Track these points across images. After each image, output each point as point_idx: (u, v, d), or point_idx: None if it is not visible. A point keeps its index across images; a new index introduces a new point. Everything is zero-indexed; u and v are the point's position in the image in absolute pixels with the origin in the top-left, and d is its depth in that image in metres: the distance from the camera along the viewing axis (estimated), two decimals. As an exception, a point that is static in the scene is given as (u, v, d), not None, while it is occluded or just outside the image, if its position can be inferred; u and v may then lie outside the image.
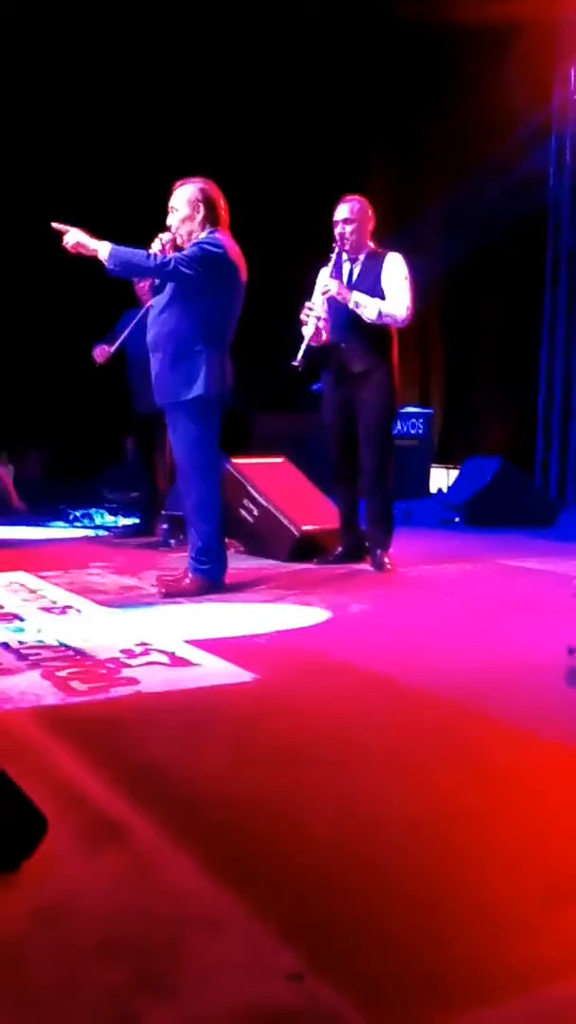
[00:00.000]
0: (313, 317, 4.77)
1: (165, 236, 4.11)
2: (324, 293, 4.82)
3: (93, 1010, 1.21)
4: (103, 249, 3.92)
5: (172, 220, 4.12)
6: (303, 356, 4.69)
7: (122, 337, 5.95)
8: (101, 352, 6.06)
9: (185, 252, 3.99)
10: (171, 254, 4.03)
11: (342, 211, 4.92)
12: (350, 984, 1.28)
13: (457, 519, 7.20)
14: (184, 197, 4.09)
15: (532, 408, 9.50)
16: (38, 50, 8.46)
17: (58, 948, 1.34)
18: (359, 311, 4.78)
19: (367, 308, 4.77)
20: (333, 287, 4.80)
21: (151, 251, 4.03)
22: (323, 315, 4.81)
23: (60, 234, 3.94)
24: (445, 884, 1.59)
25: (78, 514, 7.85)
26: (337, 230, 4.91)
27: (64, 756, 2.10)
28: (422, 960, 1.35)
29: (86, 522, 7.49)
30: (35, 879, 1.51)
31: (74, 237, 3.93)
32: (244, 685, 2.72)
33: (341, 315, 4.84)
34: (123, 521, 7.37)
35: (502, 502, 6.96)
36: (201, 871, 1.58)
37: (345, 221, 4.89)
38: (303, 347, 4.72)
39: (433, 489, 9.25)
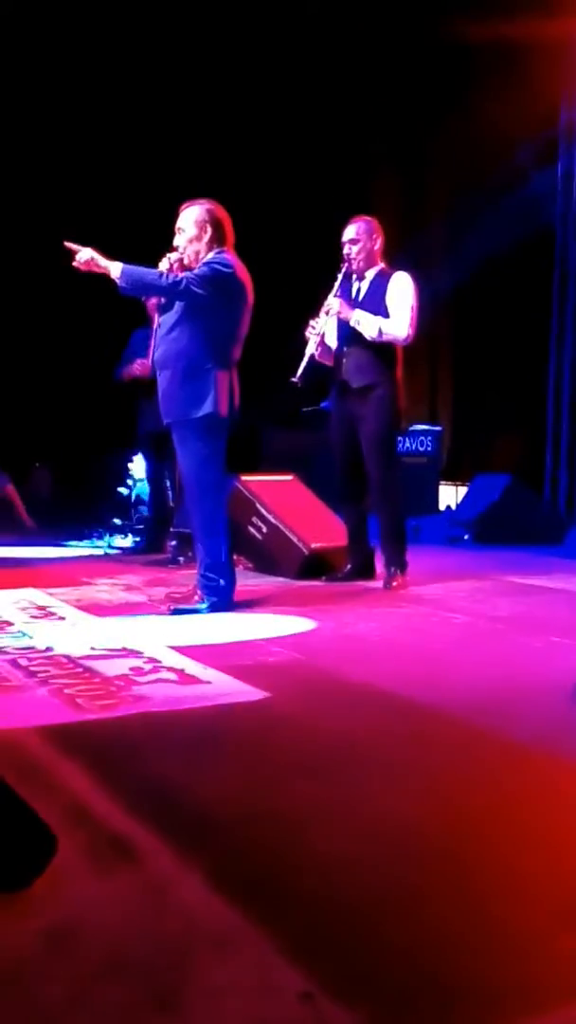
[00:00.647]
0: (315, 335, 4.84)
1: (173, 256, 4.14)
2: (327, 312, 4.87)
3: (102, 1029, 1.21)
4: (115, 268, 3.95)
5: (179, 241, 4.14)
6: (303, 372, 4.77)
7: (151, 352, 5.98)
8: (142, 365, 6.10)
9: (196, 272, 4.02)
10: (179, 274, 4.05)
11: (349, 232, 5.00)
12: (361, 1004, 1.27)
13: (466, 536, 7.19)
14: (191, 218, 4.12)
15: (541, 425, 9.49)
16: (42, 66, 8.52)
17: (67, 966, 1.33)
18: (359, 328, 4.82)
19: (368, 326, 4.82)
20: (335, 306, 4.86)
21: (159, 271, 4.06)
22: (323, 332, 4.87)
23: (71, 252, 3.97)
24: (458, 903, 1.57)
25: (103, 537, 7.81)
26: (344, 250, 4.98)
27: (73, 774, 2.10)
28: (435, 980, 1.34)
29: (108, 540, 7.50)
30: (44, 897, 1.51)
31: (86, 255, 3.96)
32: (254, 703, 2.71)
33: (344, 331, 4.89)
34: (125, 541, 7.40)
35: (511, 519, 6.96)
36: (211, 889, 1.57)
37: (351, 241, 4.97)
38: (303, 364, 4.79)
39: (442, 506, 9.25)
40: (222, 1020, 1.23)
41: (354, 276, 5.01)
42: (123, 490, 7.81)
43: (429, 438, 8.95)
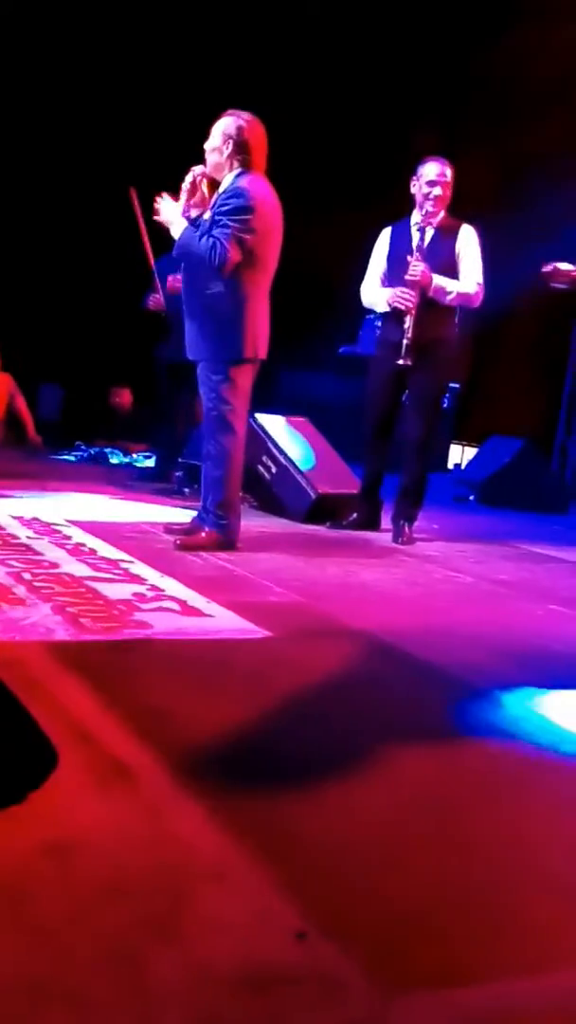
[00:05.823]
0: (412, 307, 4.60)
1: (197, 169, 4.06)
2: (412, 277, 4.62)
3: (98, 947, 1.21)
4: (177, 227, 4.02)
5: (206, 145, 4.06)
6: (406, 351, 4.60)
7: (169, 281, 5.92)
8: (155, 301, 6.06)
9: (221, 233, 3.87)
10: (202, 188, 4.03)
11: (436, 169, 4.67)
12: (355, 947, 1.27)
13: (472, 497, 7.16)
14: (220, 128, 4.01)
15: (556, 394, 9.41)
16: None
17: (66, 884, 1.33)
18: (435, 296, 4.64)
19: (441, 293, 4.64)
20: (418, 270, 4.60)
21: (184, 184, 4.05)
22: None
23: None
24: (454, 854, 1.58)
25: (92, 452, 7.88)
26: (426, 191, 4.66)
27: (74, 692, 2.09)
28: (429, 928, 1.35)
29: (101, 461, 7.52)
30: (46, 810, 1.51)
31: (166, 209, 4.06)
32: (256, 641, 2.71)
33: (405, 283, 4.68)
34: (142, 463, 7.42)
35: (520, 484, 6.92)
36: (209, 820, 1.57)
37: (437, 184, 4.64)
38: (405, 344, 4.59)
39: (449, 465, 9.22)
40: (218, 951, 1.24)
41: (417, 220, 4.73)
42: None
43: (448, 395, 8.88)
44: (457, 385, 9.35)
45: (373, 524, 5.02)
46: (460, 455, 9.63)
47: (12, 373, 8.00)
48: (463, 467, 8.84)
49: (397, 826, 1.66)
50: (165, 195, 4.11)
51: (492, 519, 6.30)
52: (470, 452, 9.31)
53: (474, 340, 10.51)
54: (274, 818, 1.63)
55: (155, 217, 4.15)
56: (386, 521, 4.99)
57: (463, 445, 9.68)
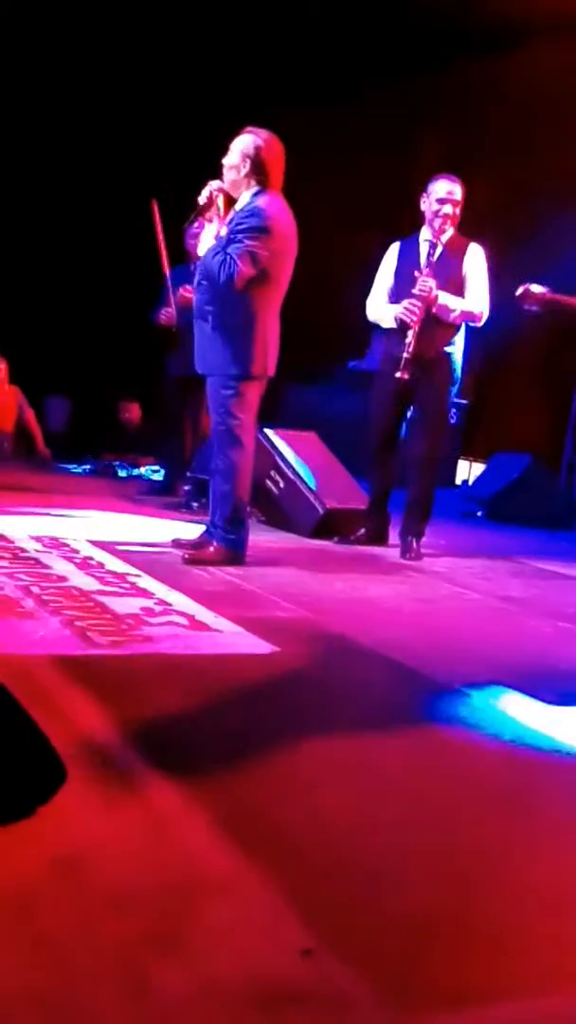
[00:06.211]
0: (416, 322, 4.63)
1: (215, 184, 4.08)
2: (421, 293, 4.63)
3: (104, 962, 1.21)
4: (203, 246, 4.06)
5: (224, 162, 4.08)
6: (404, 366, 4.61)
7: (178, 294, 5.94)
8: (167, 316, 6.08)
9: (237, 250, 3.89)
10: (218, 202, 4.05)
11: (446, 187, 4.69)
12: (361, 965, 1.27)
13: (479, 513, 7.16)
14: (239, 146, 4.03)
15: (563, 409, 9.41)
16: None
17: (73, 898, 1.34)
18: (439, 313, 4.67)
19: (446, 312, 4.67)
20: (428, 286, 4.63)
21: (200, 198, 4.06)
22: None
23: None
24: (464, 868, 1.58)
25: (101, 466, 7.90)
26: (435, 208, 4.70)
27: (82, 706, 2.10)
28: (438, 947, 1.35)
29: (109, 475, 7.56)
30: (53, 825, 1.51)
31: (204, 233, 4.08)
32: (263, 656, 2.71)
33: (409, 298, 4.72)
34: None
35: (527, 500, 6.92)
36: (215, 834, 1.57)
37: (447, 201, 4.68)
38: (405, 356, 4.60)
39: (457, 481, 9.22)
40: (224, 966, 1.24)
41: (426, 236, 4.76)
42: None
43: (455, 411, 8.89)
44: (465, 401, 9.37)
45: (381, 539, 5.03)
46: (468, 471, 9.63)
47: (20, 386, 8.04)
48: (471, 483, 8.84)
49: (404, 841, 1.66)
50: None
51: (500, 535, 6.30)
52: (478, 468, 9.32)
53: (483, 356, 10.55)
54: (281, 833, 1.63)
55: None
56: (394, 536, 4.99)
57: (471, 461, 9.69)
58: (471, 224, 4.89)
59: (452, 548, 5.25)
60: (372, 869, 1.55)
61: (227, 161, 4.06)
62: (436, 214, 4.72)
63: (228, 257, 3.89)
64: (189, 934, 1.30)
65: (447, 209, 4.70)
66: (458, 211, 4.75)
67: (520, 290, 4.43)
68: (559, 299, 4.53)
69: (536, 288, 4.41)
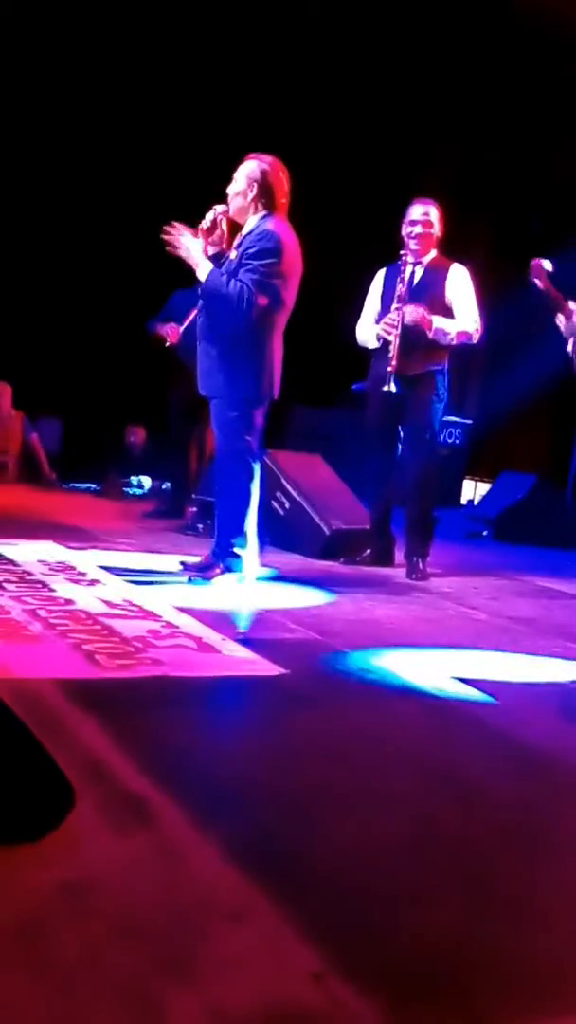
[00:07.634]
0: (394, 336, 4.70)
1: (219, 208, 4.10)
2: (412, 319, 4.70)
3: (114, 989, 1.20)
4: (204, 269, 3.98)
5: (229, 189, 4.10)
6: (389, 380, 4.68)
7: (189, 318, 5.95)
8: (173, 332, 6.08)
9: (250, 278, 3.91)
10: (222, 226, 4.05)
11: (421, 210, 4.85)
12: (373, 989, 1.26)
13: (485, 532, 7.16)
14: (245, 172, 4.07)
15: (568, 427, 9.42)
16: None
17: (82, 924, 1.33)
18: (436, 338, 4.72)
19: (441, 335, 4.73)
20: (415, 315, 4.70)
21: (203, 223, 4.06)
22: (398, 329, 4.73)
23: (167, 234, 3.98)
24: (478, 894, 1.57)
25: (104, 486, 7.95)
26: (408, 230, 4.85)
27: (90, 730, 2.09)
28: (447, 973, 1.33)
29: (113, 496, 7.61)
30: (63, 851, 1.50)
31: (189, 246, 3.98)
32: (271, 678, 2.70)
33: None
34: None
35: (533, 519, 6.92)
36: (225, 859, 1.56)
37: (417, 223, 4.82)
38: (388, 371, 4.67)
39: (463, 500, 9.22)
40: (234, 992, 1.23)
41: (409, 259, 4.88)
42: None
43: (458, 430, 8.91)
44: (469, 421, 9.38)
45: (387, 559, 5.02)
46: (473, 491, 9.64)
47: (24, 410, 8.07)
48: (476, 503, 8.84)
49: (416, 866, 1.65)
50: (178, 225, 4.04)
51: (506, 555, 6.29)
52: (483, 488, 9.32)
53: (486, 375, 10.57)
54: (291, 857, 1.62)
55: (169, 250, 4.03)
56: (400, 557, 4.99)
57: (476, 481, 9.69)
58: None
59: (459, 568, 5.24)
60: (382, 893, 1.54)
61: (232, 189, 4.08)
62: (409, 236, 4.86)
63: (245, 287, 3.90)
64: (199, 959, 1.28)
65: (417, 230, 4.84)
66: (433, 232, 4.86)
67: (534, 261, 4.57)
68: (552, 291, 4.62)
69: (547, 264, 4.51)
